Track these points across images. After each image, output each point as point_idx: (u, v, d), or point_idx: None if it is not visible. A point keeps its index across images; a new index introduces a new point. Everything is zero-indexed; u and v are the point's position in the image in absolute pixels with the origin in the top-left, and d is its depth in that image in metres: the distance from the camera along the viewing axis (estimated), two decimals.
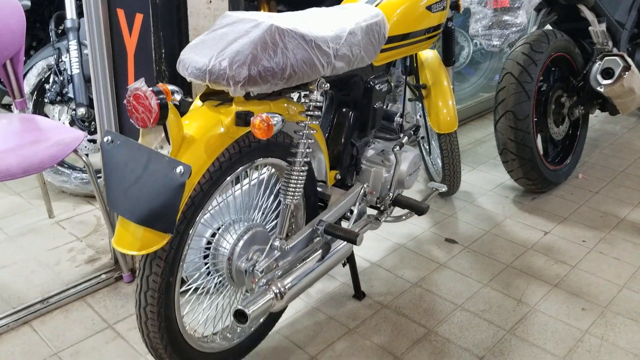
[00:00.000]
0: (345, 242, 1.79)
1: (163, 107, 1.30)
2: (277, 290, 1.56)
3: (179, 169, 1.31)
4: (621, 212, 2.92)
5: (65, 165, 2.90)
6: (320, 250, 1.76)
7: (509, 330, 2.09)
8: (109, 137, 1.40)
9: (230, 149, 1.52)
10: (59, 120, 2.95)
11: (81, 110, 2.80)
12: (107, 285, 2.25)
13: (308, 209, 1.91)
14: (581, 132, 3.31)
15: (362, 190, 2.02)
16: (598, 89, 2.96)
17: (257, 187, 1.76)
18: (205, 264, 1.68)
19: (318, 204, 1.96)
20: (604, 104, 3.28)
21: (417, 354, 1.97)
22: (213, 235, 1.67)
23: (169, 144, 1.37)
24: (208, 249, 1.67)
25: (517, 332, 2.08)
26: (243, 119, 1.47)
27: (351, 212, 2.00)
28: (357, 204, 2.00)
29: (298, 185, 1.66)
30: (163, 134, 1.37)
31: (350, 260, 2.18)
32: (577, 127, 3.30)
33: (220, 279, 1.70)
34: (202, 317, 1.69)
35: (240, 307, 1.46)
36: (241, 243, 1.67)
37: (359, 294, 2.23)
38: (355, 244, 1.75)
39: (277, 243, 1.67)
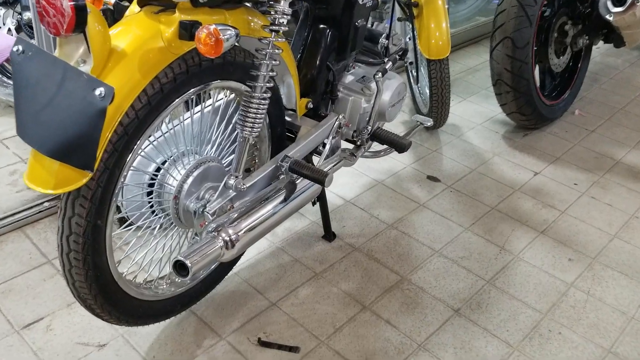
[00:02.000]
0: (313, 183, 1.56)
1: (80, 11, 1.02)
2: (228, 238, 1.34)
3: (99, 90, 1.05)
4: (617, 154, 2.72)
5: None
6: (284, 191, 1.54)
7: (489, 281, 1.92)
8: (20, 47, 1.12)
9: (174, 67, 1.26)
10: (4, 24, 2.61)
11: (27, 15, 2.47)
12: (49, 215, 2.02)
13: (274, 142, 1.67)
14: (582, 65, 3.04)
15: (336, 122, 1.78)
16: (607, 17, 2.67)
17: (212, 115, 1.51)
18: (150, 202, 1.45)
19: (286, 135, 1.72)
20: (609, 35, 2.99)
21: (387, 303, 1.80)
22: (158, 170, 1.43)
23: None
24: (153, 185, 1.44)
25: (497, 283, 1.92)
26: (188, 30, 1.19)
27: (323, 146, 1.76)
28: (331, 137, 1.76)
29: (258, 116, 1.41)
30: (85, 46, 1.09)
31: (321, 197, 1.96)
32: (579, 59, 3.03)
33: (166, 219, 1.47)
34: (145, 260, 1.48)
35: (180, 257, 1.24)
36: (190, 180, 1.44)
37: (328, 235, 2.03)
38: (323, 186, 1.53)
39: (232, 181, 1.44)
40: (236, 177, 1.44)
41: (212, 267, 1.62)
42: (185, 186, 1.43)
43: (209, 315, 1.71)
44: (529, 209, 2.29)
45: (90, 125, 1.06)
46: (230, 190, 1.45)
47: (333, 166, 1.76)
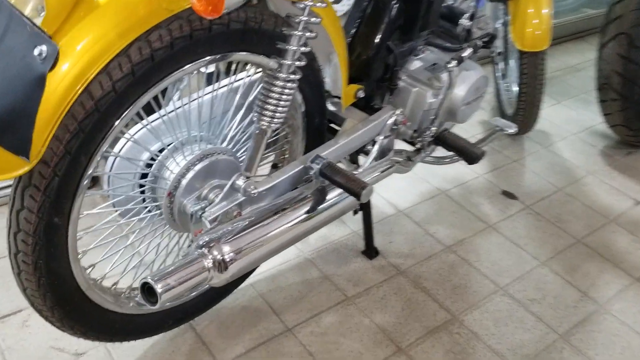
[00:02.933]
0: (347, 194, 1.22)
1: None
2: (220, 257, 1.03)
3: (39, 49, 0.76)
4: None
5: None
6: (310, 200, 1.21)
7: (563, 335, 1.53)
8: None
9: (173, 29, 0.95)
10: None
11: None
12: None
13: (310, 135, 1.35)
14: None
15: (392, 118, 1.42)
16: None
17: (230, 95, 1.19)
18: (142, 193, 1.17)
19: (327, 128, 1.39)
20: None
21: (429, 348, 1.45)
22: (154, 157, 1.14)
23: None
24: (146, 175, 1.15)
25: (573, 340, 1.52)
26: None
27: (373, 145, 1.42)
28: (382, 135, 1.41)
29: (281, 103, 1.09)
30: None
31: (365, 204, 1.62)
32: None
33: (159, 218, 1.19)
34: (130, 264, 1.20)
35: (149, 279, 0.95)
36: (190, 174, 1.14)
37: (370, 251, 1.69)
38: (359, 200, 1.19)
39: (240, 182, 1.13)
40: (247, 177, 1.13)
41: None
42: (184, 181, 1.14)
43: (210, 334, 1.42)
44: (624, 247, 1.85)
45: (26, 95, 0.78)
46: (239, 194, 1.14)
47: (380, 173, 1.41)
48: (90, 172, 0.97)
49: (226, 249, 1.04)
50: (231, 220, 1.13)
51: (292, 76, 1.08)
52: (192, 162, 1.14)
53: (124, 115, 0.96)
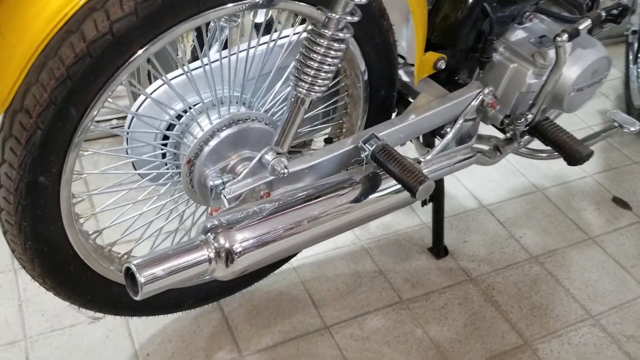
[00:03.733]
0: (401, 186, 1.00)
1: None
2: (227, 247, 0.85)
3: None
4: None
5: None
6: (356, 188, 1.00)
7: None
8: None
9: None
10: None
11: None
12: None
13: (372, 108, 1.13)
14: None
15: (479, 98, 1.16)
16: None
17: (272, 52, 1.00)
18: (162, 152, 1.02)
19: (394, 101, 1.16)
20: None
21: None
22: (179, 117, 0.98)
23: None
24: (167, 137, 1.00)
25: None
26: None
27: (451, 127, 1.17)
28: (463, 118, 1.16)
29: (324, 67, 0.88)
30: None
31: (437, 195, 1.39)
32: None
33: (177, 186, 1.03)
34: (144, 229, 1.06)
35: (132, 264, 0.79)
36: (214, 142, 0.97)
37: (437, 249, 1.46)
38: (414, 197, 0.96)
39: (269, 157, 0.94)
40: (277, 153, 0.94)
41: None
42: (206, 149, 0.97)
43: (237, 318, 1.27)
44: None
45: None
46: (268, 172, 0.95)
47: (456, 163, 1.17)
48: (85, 127, 0.82)
49: (238, 237, 0.86)
50: (256, 201, 0.95)
51: (341, 34, 0.87)
52: (219, 127, 0.97)
53: (127, 62, 0.80)
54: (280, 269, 1.34)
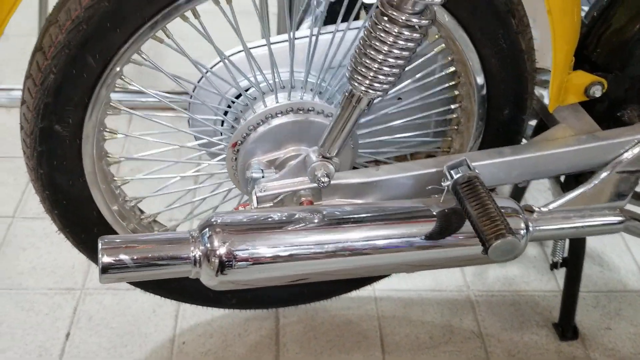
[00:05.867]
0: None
1: None
2: (220, 251, 0.70)
3: None
4: None
5: None
6: (419, 220, 0.77)
7: None
8: None
9: None
10: None
11: None
12: None
13: (490, 127, 0.88)
14: None
15: None
16: None
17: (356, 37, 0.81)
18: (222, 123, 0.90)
19: (524, 126, 0.89)
20: None
21: None
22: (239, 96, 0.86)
23: None
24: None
25: None
26: None
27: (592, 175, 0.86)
28: (612, 167, 0.84)
29: (388, 60, 0.67)
30: None
31: (574, 258, 1.06)
32: None
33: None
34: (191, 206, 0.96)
35: (102, 240, 0.68)
36: (263, 128, 0.82)
37: (565, 327, 1.13)
38: (485, 252, 0.70)
39: (313, 157, 0.76)
40: (324, 157, 0.75)
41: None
42: (253, 135, 0.82)
43: (290, 334, 1.12)
44: None
45: None
46: (310, 173, 0.78)
47: (586, 227, 0.86)
48: (109, 83, 0.74)
49: (236, 242, 0.70)
50: (286, 207, 0.78)
51: (415, 20, 0.64)
52: (272, 114, 0.81)
53: (159, 14, 0.69)
54: (358, 291, 1.14)
